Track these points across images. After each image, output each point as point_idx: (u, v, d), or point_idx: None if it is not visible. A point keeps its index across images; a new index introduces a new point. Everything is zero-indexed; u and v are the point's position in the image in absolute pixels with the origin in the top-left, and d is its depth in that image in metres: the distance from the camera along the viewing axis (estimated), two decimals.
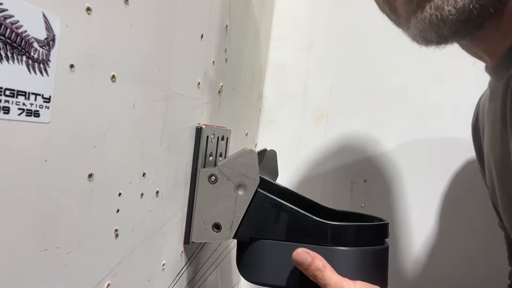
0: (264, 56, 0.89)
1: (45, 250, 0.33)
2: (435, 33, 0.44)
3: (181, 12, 0.51)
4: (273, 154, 0.71)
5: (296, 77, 0.89)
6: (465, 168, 0.77)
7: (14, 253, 0.31)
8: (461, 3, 0.41)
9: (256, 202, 0.54)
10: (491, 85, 0.53)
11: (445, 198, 0.80)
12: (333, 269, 0.50)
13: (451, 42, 0.47)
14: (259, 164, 0.55)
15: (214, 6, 0.60)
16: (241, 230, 0.54)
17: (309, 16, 0.89)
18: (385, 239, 0.55)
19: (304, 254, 0.50)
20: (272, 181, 0.61)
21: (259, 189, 0.54)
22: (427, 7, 0.43)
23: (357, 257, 0.51)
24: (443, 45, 0.47)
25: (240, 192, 0.55)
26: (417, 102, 0.81)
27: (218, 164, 0.56)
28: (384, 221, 0.55)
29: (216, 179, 0.55)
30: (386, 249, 0.55)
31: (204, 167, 0.57)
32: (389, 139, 0.83)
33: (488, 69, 0.53)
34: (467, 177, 0.77)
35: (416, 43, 0.48)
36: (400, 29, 0.53)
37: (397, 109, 0.82)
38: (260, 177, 0.54)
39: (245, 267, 0.56)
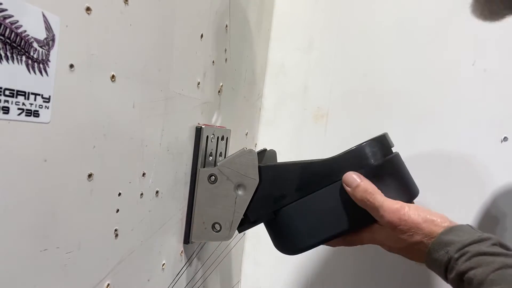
0: (264, 56, 0.89)
1: (45, 250, 0.33)
2: None
3: (181, 12, 0.51)
4: (273, 154, 0.71)
5: (296, 77, 0.89)
6: (465, 168, 0.77)
7: (14, 253, 0.31)
8: None
9: (264, 177, 0.54)
10: None
11: (445, 198, 0.80)
12: (382, 193, 0.49)
13: None
14: (258, 164, 0.55)
15: (214, 6, 0.60)
16: (262, 211, 0.54)
17: (309, 16, 0.89)
18: (391, 148, 0.55)
19: (353, 175, 0.50)
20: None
21: (260, 165, 0.55)
22: None
23: (372, 175, 0.51)
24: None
25: (240, 192, 0.55)
26: (417, 102, 0.81)
27: (218, 164, 0.56)
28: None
29: (216, 179, 0.55)
30: (396, 155, 0.54)
31: (204, 167, 0.57)
32: None
33: None
34: (467, 177, 0.77)
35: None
36: None
37: (397, 109, 0.82)
38: (259, 165, 0.55)
39: (285, 242, 0.55)
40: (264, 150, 0.66)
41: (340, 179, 0.52)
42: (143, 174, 0.46)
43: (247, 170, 0.54)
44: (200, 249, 0.64)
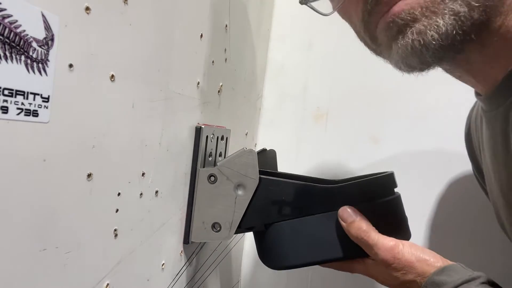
0: (264, 56, 0.89)
1: (44, 250, 0.33)
2: (417, 58, 0.43)
3: (181, 11, 0.51)
4: (273, 154, 0.71)
5: (296, 77, 0.89)
6: (465, 168, 0.77)
7: (13, 253, 0.31)
8: (444, 29, 0.40)
9: (261, 188, 0.54)
10: (486, 113, 0.52)
11: (444, 198, 0.80)
12: (376, 230, 0.49)
13: (434, 67, 0.46)
14: (258, 164, 0.55)
15: (214, 6, 0.60)
16: (253, 220, 0.54)
17: (309, 16, 0.89)
18: (394, 189, 0.55)
19: (348, 210, 0.50)
20: (270, 170, 0.61)
21: (261, 176, 0.54)
22: (409, 32, 0.42)
23: (369, 212, 0.51)
24: (426, 70, 0.46)
25: (240, 192, 0.55)
26: (417, 102, 0.81)
27: (217, 164, 0.56)
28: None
29: (216, 179, 0.55)
30: (397, 197, 0.54)
31: (203, 167, 0.57)
32: (388, 139, 0.83)
33: (482, 98, 0.52)
34: (466, 177, 0.77)
35: (398, 70, 0.48)
36: (381, 58, 0.52)
37: (397, 109, 0.82)
38: (260, 170, 0.55)
39: (269, 255, 0.55)
40: (264, 150, 0.66)
41: (338, 210, 0.52)
42: (143, 174, 0.46)
43: (247, 170, 0.54)
44: (200, 249, 0.64)
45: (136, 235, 0.47)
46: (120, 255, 0.44)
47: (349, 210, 0.51)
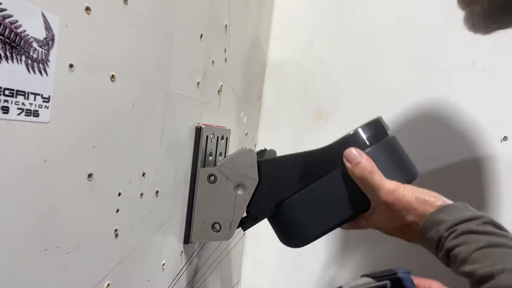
0: (264, 56, 0.89)
1: (45, 250, 0.33)
2: None
3: (181, 12, 0.51)
4: (272, 154, 0.71)
5: (296, 77, 0.89)
6: (465, 168, 0.77)
7: (14, 253, 0.31)
8: None
9: (264, 172, 0.54)
10: None
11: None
12: (380, 173, 0.49)
13: None
14: (257, 160, 0.55)
15: (214, 6, 0.60)
16: (263, 206, 0.54)
17: (309, 16, 0.89)
18: (387, 131, 0.55)
19: (353, 152, 0.50)
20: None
21: (259, 160, 0.55)
22: None
23: (370, 157, 0.51)
24: None
25: (240, 192, 0.55)
26: (417, 102, 0.81)
27: (217, 163, 0.56)
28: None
29: (216, 179, 0.55)
30: (393, 138, 0.55)
31: (203, 167, 0.57)
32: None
33: None
34: (466, 177, 0.77)
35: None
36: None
37: (396, 109, 0.82)
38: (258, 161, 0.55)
39: (289, 235, 0.55)
40: (264, 150, 0.66)
41: (339, 167, 0.52)
42: (143, 174, 0.46)
43: (246, 170, 0.54)
44: (200, 249, 0.64)
45: (137, 235, 0.47)
46: (120, 255, 0.44)
47: (354, 151, 0.50)
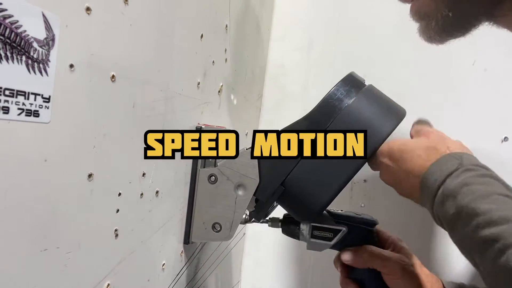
0: (264, 56, 0.89)
1: (45, 250, 0.33)
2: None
3: (181, 12, 0.51)
4: None
5: (296, 77, 0.89)
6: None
7: (14, 253, 0.31)
8: None
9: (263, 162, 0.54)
10: None
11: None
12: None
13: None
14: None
15: (214, 6, 0.60)
16: (269, 188, 0.54)
17: (309, 16, 0.89)
18: (363, 82, 0.56)
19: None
20: None
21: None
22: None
23: (356, 107, 0.52)
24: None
25: (240, 192, 0.55)
26: (417, 102, 0.81)
27: (218, 164, 0.56)
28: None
29: (216, 179, 0.55)
30: (370, 86, 0.56)
31: (204, 167, 0.57)
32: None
33: None
34: None
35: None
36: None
37: None
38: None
39: (302, 208, 0.55)
40: None
41: (333, 120, 0.52)
42: (143, 174, 0.46)
43: (247, 170, 0.54)
44: (200, 249, 0.64)
45: (137, 235, 0.47)
46: (120, 255, 0.44)
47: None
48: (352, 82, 0.54)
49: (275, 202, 0.56)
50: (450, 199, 0.41)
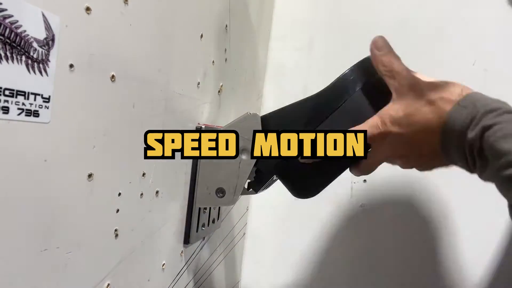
0: (264, 56, 0.89)
1: (45, 250, 0.33)
2: None
3: (181, 12, 0.51)
4: None
5: (296, 77, 0.89)
6: None
7: (14, 253, 0.31)
8: None
9: (271, 125, 0.54)
10: None
11: (444, 197, 0.80)
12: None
13: None
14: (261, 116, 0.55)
15: (214, 6, 0.60)
16: (272, 159, 0.54)
17: (309, 16, 0.89)
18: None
19: (386, 40, 0.52)
20: None
21: (265, 115, 0.55)
22: None
23: (376, 89, 0.53)
24: None
25: (244, 157, 0.54)
26: None
27: (222, 128, 0.56)
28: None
29: None
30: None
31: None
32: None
33: None
34: (466, 176, 0.77)
35: None
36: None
37: None
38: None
39: (303, 184, 0.55)
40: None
41: (345, 101, 0.52)
42: (143, 174, 0.46)
43: (251, 134, 0.54)
44: (200, 249, 0.64)
45: (137, 235, 0.47)
46: (120, 255, 0.44)
47: (385, 38, 0.52)
48: (369, 64, 0.54)
49: (275, 176, 0.56)
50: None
